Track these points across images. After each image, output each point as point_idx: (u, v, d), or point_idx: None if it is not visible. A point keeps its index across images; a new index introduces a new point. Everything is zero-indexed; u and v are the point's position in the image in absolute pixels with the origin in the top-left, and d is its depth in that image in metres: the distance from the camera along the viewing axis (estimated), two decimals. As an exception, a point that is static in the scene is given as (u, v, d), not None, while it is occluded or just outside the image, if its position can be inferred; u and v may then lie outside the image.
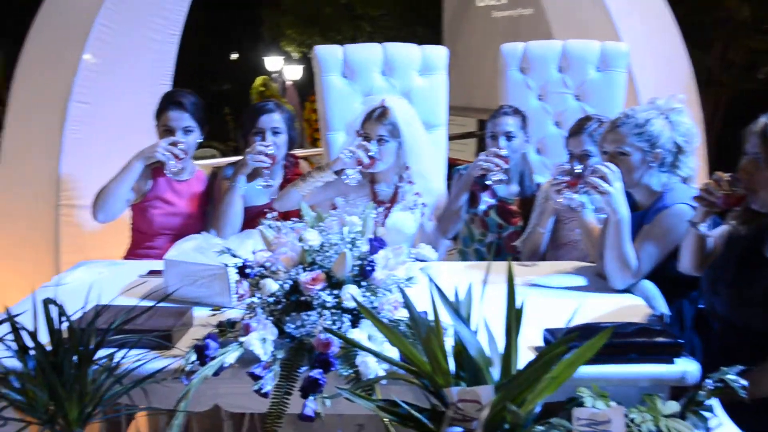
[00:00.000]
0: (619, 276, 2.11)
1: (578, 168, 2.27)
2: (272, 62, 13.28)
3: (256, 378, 1.52)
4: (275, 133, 2.70)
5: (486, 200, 2.67)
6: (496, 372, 1.29)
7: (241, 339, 1.58)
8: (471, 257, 2.89)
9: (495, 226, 2.83)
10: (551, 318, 1.69)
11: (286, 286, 1.62)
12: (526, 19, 7.35)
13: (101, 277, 2.26)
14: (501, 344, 1.30)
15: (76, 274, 2.30)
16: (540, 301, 2.01)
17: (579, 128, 2.58)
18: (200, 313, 1.89)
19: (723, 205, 1.87)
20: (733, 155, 1.92)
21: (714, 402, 1.46)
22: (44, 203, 3.14)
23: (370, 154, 2.52)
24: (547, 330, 1.68)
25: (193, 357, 1.56)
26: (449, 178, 2.97)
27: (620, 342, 1.58)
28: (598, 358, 1.25)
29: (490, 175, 2.58)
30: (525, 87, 3.45)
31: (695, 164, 2.24)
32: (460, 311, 1.35)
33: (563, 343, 1.20)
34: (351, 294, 1.58)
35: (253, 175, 2.65)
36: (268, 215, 1.77)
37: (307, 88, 9.99)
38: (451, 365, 1.31)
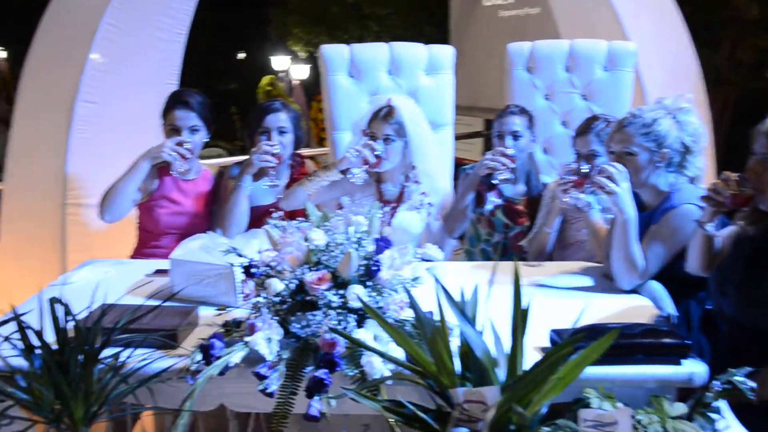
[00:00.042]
0: (626, 276, 2.10)
1: (585, 168, 2.26)
2: (279, 62, 13.28)
3: (261, 378, 1.52)
4: (281, 132, 2.70)
5: (492, 200, 2.66)
6: (501, 373, 1.29)
7: (247, 339, 1.58)
8: (477, 257, 2.89)
9: (501, 226, 2.82)
10: (558, 318, 1.69)
11: (292, 286, 1.62)
12: (533, 19, 7.35)
13: (107, 276, 2.26)
14: (507, 345, 1.29)
15: (82, 273, 2.31)
16: (546, 301, 2.00)
17: (586, 128, 2.57)
18: (206, 313, 1.89)
19: (731, 205, 1.86)
20: (741, 155, 1.91)
21: (722, 404, 1.45)
22: (51, 202, 3.15)
23: (376, 153, 2.52)
24: (554, 331, 1.67)
25: (199, 356, 1.56)
26: (456, 177, 2.96)
27: (627, 343, 1.58)
28: (605, 359, 1.25)
29: (496, 174, 2.57)
30: (532, 86, 3.45)
31: (703, 164, 2.23)
32: (465, 311, 1.35)
33: (570, 343, 1.20)
34: (356, 294, 1.58)
35: (259, 175, 2.65)
36: (274, 215, 1.77)
37: (313, 88, 9.97)
38: (457, 366, 1.31)
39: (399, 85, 3.27)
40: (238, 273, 1.77)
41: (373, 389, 1.49)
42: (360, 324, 1.62)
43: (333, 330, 1.52)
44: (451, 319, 1.31)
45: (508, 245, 2.81)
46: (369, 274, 1.63)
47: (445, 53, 3.34)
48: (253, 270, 1.66)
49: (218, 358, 1.55)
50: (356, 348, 1.54)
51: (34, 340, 1.37)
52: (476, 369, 1.29)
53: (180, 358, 1.60)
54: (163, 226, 2.67)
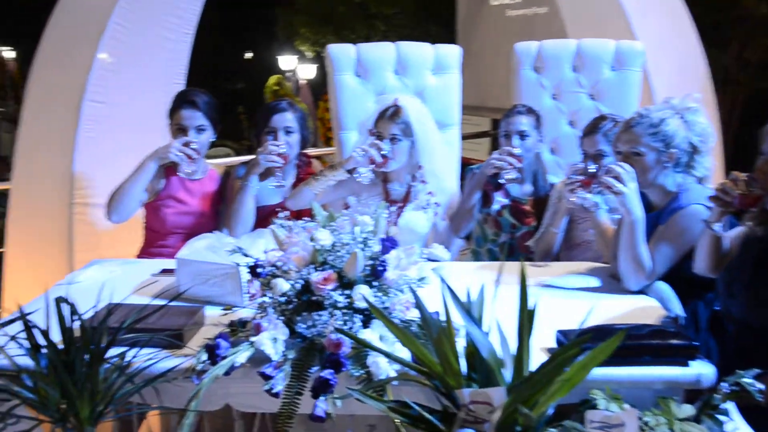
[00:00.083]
0: (633, 277, 2.10)
1: (592, 168, 2.25)
2: (286, 61, 13.31)
3: (266, 378, 1.52)
4: (288, 132, 2.70)
5: (499, 200, 2.66)
6: (508, 373, 1.28)
7: (252, 339, 1.57)
8: (484, 257, 2.88)
9: (508, 226, 2.81)
10: (564, 319, 1.68)
11: (298, 286, 1.62)
12: (541, 18, 7.32)
13: (114, 275, 2.26)
14: (513, 345, 1.29)
15: (88, 272, 2.31)
16: (553, 302, 1.99)
17: (593, 128, 2.56)
18: (212, 313, 1.89)
19: (739, 206, 1.85)
20: (750, 155, 1.90)
21: (730, 405, 1.44)
22: (58, 201, 3.15)
23: (382, 152, 2.52)
24: (560, 331, 1.67)
25: (204, 356, 1.56)
26: (462, 177, 2.96)
27: (634, 344, 1.57)
28: (612, 360, 1.24)
29: (503, 174, 2.57)
30: (539, 86, 3.44)
31: (711, 164, 2.22)
32: (472, 312, 1.34)
33: (576, 344, 1.19)
34: (362, 294, 1.58)
35: (265, 175, 2.65)
36: (280, 214, 1.77)
37: (320, 87, 10.00)
38: (463, 366, 1.30)
39: (406, 84, 3.26)
40: (244, 273, 1.77)
41: (379, 390, 1.49)
42: (366, 324, 1.61)
43: (339, 330, 1.52)
44: (457, 319, 1.31)
45: (515, 245, 2.80)
46: (375, 275, 1.62)
47: (451, 53, 3.33)
48: (258, 270, 1.65)
49: (224, 358, 1.55)
50: (362, 348, 1.54)
51: (41, 340, 1.37)
52: (482, 370, 1.28)
53: (186, 357, 1.60)
54: (170, 225, 2.68)
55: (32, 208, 3.26)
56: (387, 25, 11.86)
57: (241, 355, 1.57)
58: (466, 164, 3.05)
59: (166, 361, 1.54)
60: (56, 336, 1.37)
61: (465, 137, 3.80)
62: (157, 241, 2.70)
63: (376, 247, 1.66)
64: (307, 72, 12.53)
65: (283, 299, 1.61)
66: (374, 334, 1.58)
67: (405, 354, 1.49)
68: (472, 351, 1.30)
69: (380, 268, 1.61)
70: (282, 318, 1.61)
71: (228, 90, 13.92)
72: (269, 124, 2.70)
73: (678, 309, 1.98)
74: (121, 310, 1.53)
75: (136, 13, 3.24)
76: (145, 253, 2.71)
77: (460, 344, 1.31)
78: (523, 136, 2.75)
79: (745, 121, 7.09)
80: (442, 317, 1.32)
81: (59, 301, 1.41)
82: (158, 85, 3.35)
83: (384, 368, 1.51)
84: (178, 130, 2.64)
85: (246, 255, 1.74)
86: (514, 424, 1.22)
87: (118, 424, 1.86)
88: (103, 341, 1.39)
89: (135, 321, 1.50)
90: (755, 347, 1.83)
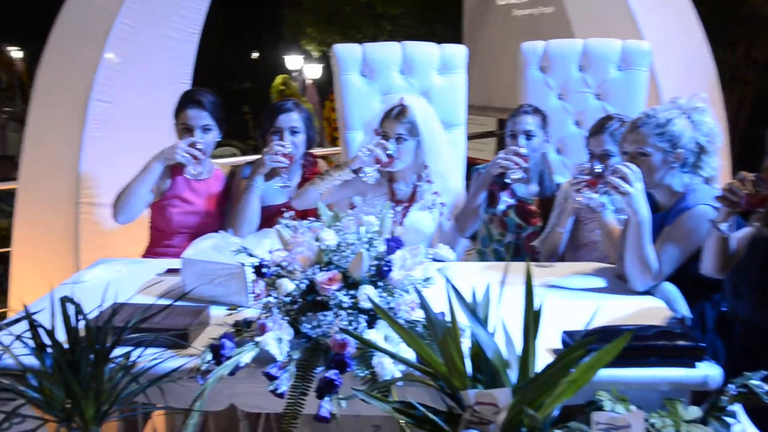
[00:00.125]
0: (639, 278, 2.09)
1: (599, 168, 2.24)
2: (292, 61, 13.34)
3: (271, 378, 1.52)
4: (293, 132, 2.70)
5: (505, 200, 2.65)
6: (513, 374, 1.28)
7: (257, 339, 1.57)
8: (489, 257, 2.88)
9: (514, 226, 2.81)
10: (570, 320, 1.68)
11: (303, 286, 1.61)
12: (547, 18, 7.31)
13: (119, 275, 2.27)
14: (519, 346, 1.28)
15: (94, 272, 2.31)
16: (559, 302, 1.99)
17: (600, 128, 2.55)
18: (217, 312, 1.89)
19: (746, 206, 1.84)
20: (757, 154, 1.89)
21: (737, 407, 1.43)
22: (64, 201, 3.16)
23: (388, 152, 2.52)
24: (566, 332, 1.66)
25: (209, 356, 1.56)
26: (468, 177, 2.95)
27: (640, 345, 1.56)
28: (618, 362, 1.23)
29: (509, 174, 2.56)
30: (545, 86, 3.43)
31: (718, 164, 2.21)
32: (477, 312, 1.34)
33: (582, 345, 1.19)
34: (367, 294, 1.57)
35: (270, 175, 2.65)
36: (285, 214, 1.77)
37: (327, 87, 10.01)
38: (468, 367, 1.30)
39: (411, 84, 3.26)
40: (249, 273, 1.77)
41: (384, 390, 1.48)
42: (371, 324, 1.61)
43: (343, 330, 1.52)
44: (463, 320, 1.30)
45: (521, 245, 2.80)
46: (380, 275, 1.62)
47: (457, 52, 3.33)
48: (264, 270, 1.65)
49: (229, 358, 1.55)
50: (367, 349, 1.54)
51: (46, 339, 1.37)
52: (487, 371, 1.28)
53: (191, 357, 1.60)
54: (175, 225, 2.68)
55: (39, 208, 3.27)
56: (393, 25, 11.86)
57: (246, 355, 1.57)
58: (471, 164, 3.04)
59: (171, 360, 1.54)
60: (61, 335, 1.37)
61: (471, 137, 3.79)
62: (162, 240, 2.71)
63: (382, 247, 1.66)
64: (313, 72, 12.55)
65: (288, 299, 1.61)
66: (379, 334, 1.57)
67: (410, 354, 1.48)
68: (478, 352, 1.29)
69: (385, 269, 1.61)
70: (287, 318, 1.61)
71: (234, 90, 13.97)
72: (275, 124, 2.70)
73: (685, 310, 1.98)
74: (126, 310, 1.53)
75: (143, 12, 3.25)
76: (151, 252, 2.72)
77: (466, 345, 1.31)
78: (529, 135, 2.74)
79: (752, 120, 7.06)
80: (448, 318, 1.31)
81: (64, 300, 1.41)
82: (164, 84, 3.36)
83: (389, 369, 1.50)
84: (184, 129, 2.65)
85: (251, 255, 1.74)
86: (520, 425, 1.21)
87: (122, 424, 1.86)
88: (108, 341, 1.39)
89: (140, 321, 1.50)
90: (763, 348, 1.82)
